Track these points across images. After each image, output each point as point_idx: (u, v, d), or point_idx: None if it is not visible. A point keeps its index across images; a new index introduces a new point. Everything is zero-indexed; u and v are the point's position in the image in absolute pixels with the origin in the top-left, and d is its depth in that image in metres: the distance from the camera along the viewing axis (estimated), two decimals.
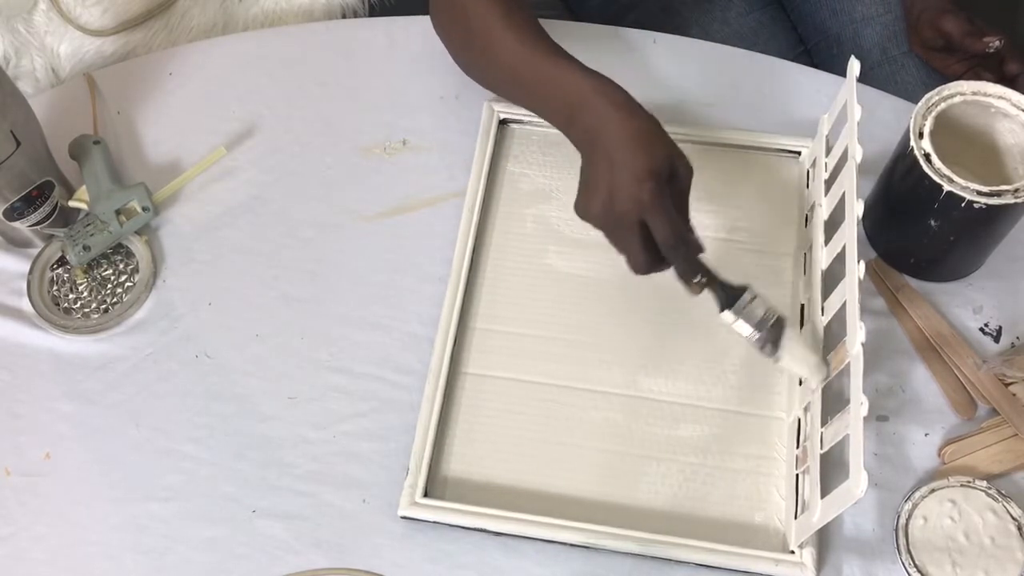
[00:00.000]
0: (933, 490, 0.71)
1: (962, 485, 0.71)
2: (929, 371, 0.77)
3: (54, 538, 0.73)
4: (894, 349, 0.78)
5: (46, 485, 0.75)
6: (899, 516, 0.70)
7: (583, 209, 0.70)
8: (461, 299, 0.79)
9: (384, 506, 0.73)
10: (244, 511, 0.73)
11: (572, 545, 0.70)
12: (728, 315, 0.67)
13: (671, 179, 0.67)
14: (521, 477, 0.73)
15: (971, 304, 0.80)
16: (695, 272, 0.67)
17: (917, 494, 0.71)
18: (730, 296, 0.67)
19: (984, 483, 0.71)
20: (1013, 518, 0.70)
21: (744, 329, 0.67)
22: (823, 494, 0.64)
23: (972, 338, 0.78)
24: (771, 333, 0.67)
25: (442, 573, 0.71)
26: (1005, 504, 0.70)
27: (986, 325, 0.79)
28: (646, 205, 0.65)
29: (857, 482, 0.56)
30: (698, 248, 0.68)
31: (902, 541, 0.69)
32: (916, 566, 0.68)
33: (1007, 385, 0.75)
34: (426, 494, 0.72)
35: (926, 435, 0.75)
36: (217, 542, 0.72)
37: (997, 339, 0.78)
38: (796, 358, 0.68)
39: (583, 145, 0.71)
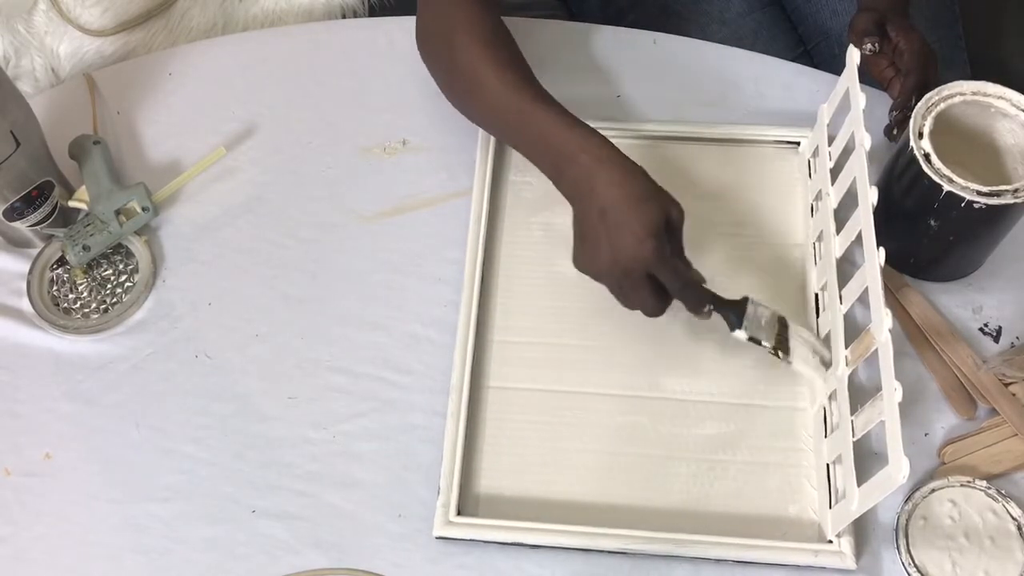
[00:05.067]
0: (933, 490, 0.71)
1: (962, 485, 0.71)
2: (929, 371, 0.77)
3: (54, 538, 0.73)
4: (894, 349, 0.77)
5: (46, 485, 0.75)
6: (899, 516, 0.70)
7: (585, 264, 0.71)
8: (476, 312, 0.79)
9: (385, 507, 0.73)
10: (244, 511, 0.73)
11: (572, 549, 0.70)
12: (740, 333, 0.71)
13: (667, 228, 0.68)
14: (551, 487, 0.73)
15: (971, 304, 0.80)
16: (703, 304, 0.71)
17: (917, 494, 0.71)
18: (736, 314, 0.72)
19: (984, 483, 0.71)
20: (1013, 518, 0.70)
21: (757, 341, 0.72)
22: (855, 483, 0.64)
23: (972, 338, 0.78)
24: (780, 337, 0.72)
25: (442, 573, 0.70)
26: (1005, 504, 0.70)
27: (986, 325, 0.79)
28: (651, 262, 0.67)
29: (898, 467, 0.57)
30: (700, 281, 0.72)
31: (902, 541, 0.69)
32: (916, 566, 0.68)
33: (1007, 385, 0.75)
34: (459, 512, 0.71)
35: (926, 435, 0.75)
36: (217, 542, 0.72)
37: (997, 339, 0.78)
38: (805, 361, 0.72)
39: (572, 198, 0.71)
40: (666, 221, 0.68)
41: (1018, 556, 0.69)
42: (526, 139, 0.73)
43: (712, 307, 0.71)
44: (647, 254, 0.67)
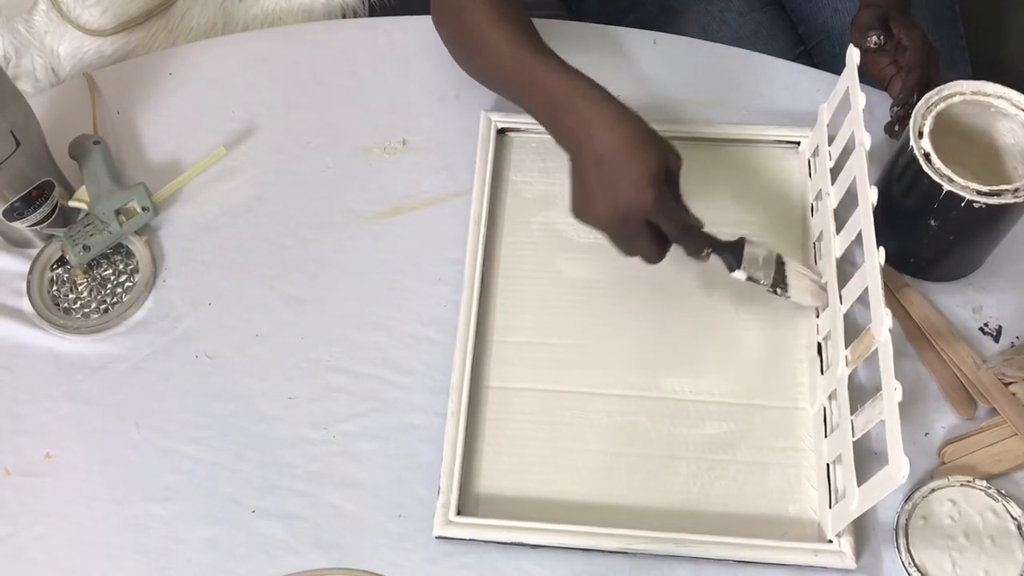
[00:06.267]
0: (933, 490, 0.71)
1: (962, 485, 0.71)
2: (929, 371, 0.77)
3: (54, 538, 0.73)
4: (894, 349, 0.77)
5: (46, 485, 0.75)
6: (899, 516, 0.70)
7: (584, 213, 0.71)
8: (476, 312, 0.78)
9: (385, 507, 0.73)
10: (244, 511, 0.73)
11: (573, 549, 0.70)
12: (739, 273, 0.73)
13: (665, 174, 0.69)
14: (551, 487, 0.73)
15: (971, 304, 0.80)
16: (702, 248, 0.72)
17: (917, 494, 0.71)
18: (734, 255, 0.74)
19: (984, 483, 0.71)
20: (1013, 518, 0.70)
21: (756, 280, 0.74)
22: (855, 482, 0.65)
23: (972, 338, 0.78)
24: (777, 274, 0.74)
25: (442, 573, 0.71)
26: (1005, 504, 0.70)
27: (986, 325, 0.79)
28: (651, 209, 0.67)
29: (898, 467, 0.57)
30: (698, 226, 0.73)
31: (902, 541, 0.69)
32: (916, 566, 0.68)
33: (1007, 385, 0.75)
34: (459, 512, 0.71)
35: (926, 435, 0.75)
36: (217, 542, 0.72)
37: (997, 339, 0.78)
38: (803, 293, 0.75)
39: (569, 147, 0.72)
40: (665, 167, 0.68)
41: (1018, 556, 0.69)
42: (526, 91, 0.74)
43: (710, 250, 0.73)
44: (647, 202, 0.67)
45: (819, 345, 0.77)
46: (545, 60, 0.73)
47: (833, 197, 0.77)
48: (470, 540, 0.71)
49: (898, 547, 0.69)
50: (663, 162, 0.68)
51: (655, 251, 0.70)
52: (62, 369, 0.79)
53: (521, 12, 0.78)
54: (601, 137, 0.68)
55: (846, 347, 0.70)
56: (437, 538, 0.71)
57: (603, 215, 0.69)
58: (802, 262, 0.77)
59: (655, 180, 0.67)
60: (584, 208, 0.71)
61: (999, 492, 0.70)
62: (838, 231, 0.75)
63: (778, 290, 0.74)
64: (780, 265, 0.75)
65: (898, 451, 0.58)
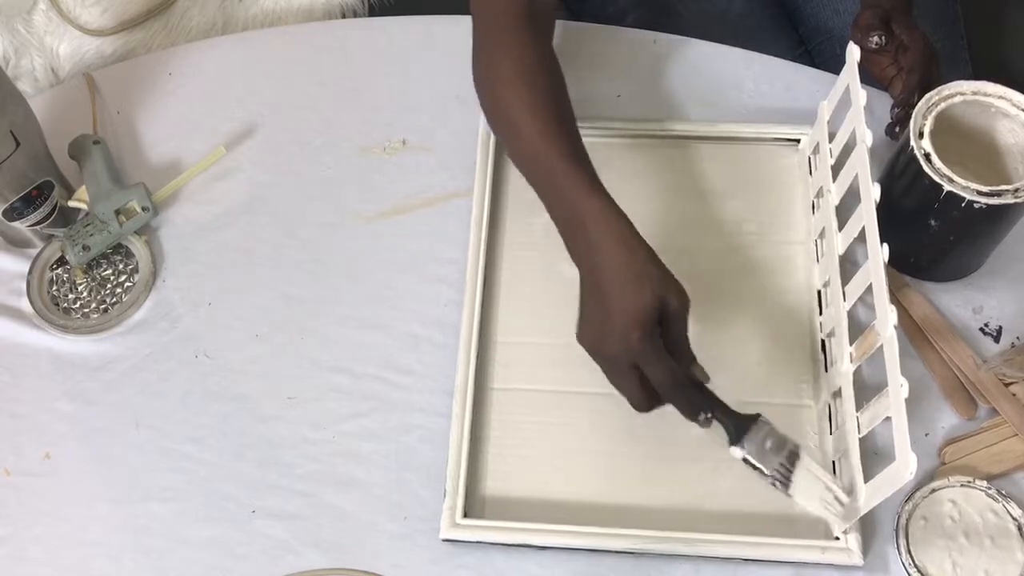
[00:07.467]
0: (933, 490, 0.71)
1: (962, 485, 0.71)
2: (929, 371, 0.77)
3: (54, 538, 0.73)
4: None
5: (46, 485, 0.75)
6: (899, 516, 0.70)
7: (580, 339, 0.67)
8: (479, 315, 0.78)
9: (385, 507, 0.73)
10: (244, 511, 0.73)
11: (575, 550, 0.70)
12: (736, 450, 0.64)
13: (664, 317, 0.63)
14: (556, 488, 0.73)
15: (971, 304, 0.80)
16: (698, 409, 0.64)
17: (917, 494, 0.71)
18: (739, 428, 0.65)
19: (984, 483, 0.71)
20: (1013, 518, 0.70)
21: (754, 464, 0.65)
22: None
23: (972, 338, 0.78)
24: (783, 468, 0.64)
25: (442, 573, 0.70)
26: (1005, 504, 0.70)
27: (986, 325, 0.79)
28: (636, 352, 0.62)
29: (906, 463, 0.57)
30: (701, 382, 0.66)
31: (902, 541, 0.69)
32: (916, 566, 0.68)
33: (1007, 385, 0.75)
34: (465, 514, 0.71)
35: (926, 435, 0.74)
36: (217, 542, 0.72)
37: (997, 339, 0.78)
38: (810, 496, 0.65)
39: (579, 266, 0.67)
40: (663, 309, 0.63)
41: (1018, 556, 0.69)
42: (547, 196, 0.69)
43: (710, 415, 0.64)
44: (631, 345, 0.62)
45: (822, 343, 0.77)
46: (567, 168, 0.66)
47: (835, 194, 0.77)
48: (476, 542, 0.71)
49: (898, 547, 0.69)
50: (659, 302, 0.62)
51: (641, 399, 0.64)
52: (62, 369, 0.79)
53: (556, 91, 0.72)
54: (603, 267, 0.63)
55: (850, 344, 0.70)
56: (443, 540, 0.71)
57: (591, 347, 0.65)
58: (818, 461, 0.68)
59: (643, 322, 0.61)
60: (580, 334, 0.66)
61: (999, 492, 0.70)
62: (839, 230, 0.75)
63: (778, 484, 0.64)
64: (792, 458, 0.64)
65: (905, 447, 0.58)
